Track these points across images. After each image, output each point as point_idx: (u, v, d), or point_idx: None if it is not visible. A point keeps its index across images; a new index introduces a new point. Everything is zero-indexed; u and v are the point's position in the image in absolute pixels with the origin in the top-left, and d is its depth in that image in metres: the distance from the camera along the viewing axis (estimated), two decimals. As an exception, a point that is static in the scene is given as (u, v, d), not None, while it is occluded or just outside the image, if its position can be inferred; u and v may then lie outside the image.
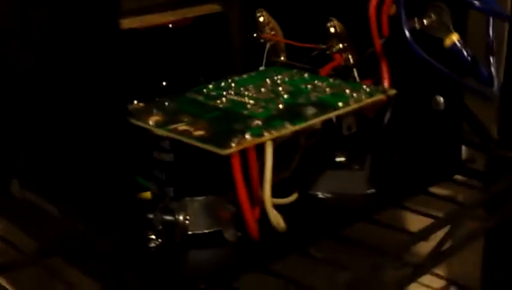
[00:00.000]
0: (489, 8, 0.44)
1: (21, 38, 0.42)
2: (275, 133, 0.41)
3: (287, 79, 0.50)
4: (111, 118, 0.38)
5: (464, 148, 0.56)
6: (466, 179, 0.54)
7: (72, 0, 0.38)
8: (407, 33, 0.45)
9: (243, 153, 0.40)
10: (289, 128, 0.42)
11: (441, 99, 0.50)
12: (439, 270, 0.71)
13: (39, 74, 0.42)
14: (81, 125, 0.40)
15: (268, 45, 0.56)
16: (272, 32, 0.56)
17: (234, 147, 0.39)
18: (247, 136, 0.40)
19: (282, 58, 0.56)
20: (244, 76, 0.51)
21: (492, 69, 0.44)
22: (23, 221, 0.48)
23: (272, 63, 0.56)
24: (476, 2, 0.44)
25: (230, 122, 0.43)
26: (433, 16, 0.47)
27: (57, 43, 0.40)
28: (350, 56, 0.53)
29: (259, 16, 0.56)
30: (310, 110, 0.43)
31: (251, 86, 0.48)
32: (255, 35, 0.56)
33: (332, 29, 0.53)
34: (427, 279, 0.68)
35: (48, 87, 0.42)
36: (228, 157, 0.39)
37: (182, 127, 0.43)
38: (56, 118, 0.42)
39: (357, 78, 0.52)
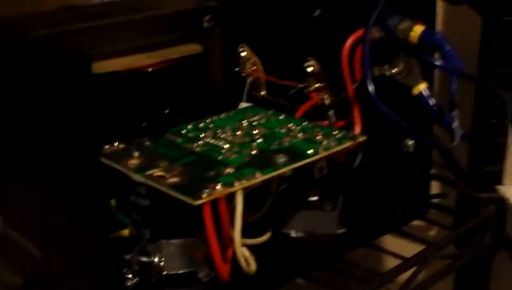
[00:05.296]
0: (452, 68, 0.45)
1: None
2: (245, 183, 0.42)
3: (263, 121, 0.51)
4: (85, 160, 0.42)
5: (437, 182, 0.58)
6: (437, 213, 0.56)
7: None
8: (369, 88, 0.46)
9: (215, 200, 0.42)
10: (259, 178, 0.43)
11: (410, 142, 0.51)
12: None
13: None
14: (59, 168, 0.43)
15: (249, 80, 0.57)
16: (253, 68, 0.57)
17: (205, 197, 0.41)
18: (218, 186, 0.42)
19: (263, 93, 0.57)
20: (223, 116, 0.53)
21: (454, 124, 0.46)
22: (6, 256, 0.50)
23: (252, 97, 0.57)
24: (439, 62, 0.46)
25: (203, 169, 0.44)
26: (402, 65, 0.49)
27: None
28: (327, 96, 0.54)
29: (242, 51, 0.57)
30: (281, 159, 0.45)
31: (228, 127, 0.50)
32: (236, 69, 0.57)
33: (309, 69, 0.55)
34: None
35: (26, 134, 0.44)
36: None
37: (157, 172, 0.44)
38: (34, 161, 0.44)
39: (333, 119, 0.53)
